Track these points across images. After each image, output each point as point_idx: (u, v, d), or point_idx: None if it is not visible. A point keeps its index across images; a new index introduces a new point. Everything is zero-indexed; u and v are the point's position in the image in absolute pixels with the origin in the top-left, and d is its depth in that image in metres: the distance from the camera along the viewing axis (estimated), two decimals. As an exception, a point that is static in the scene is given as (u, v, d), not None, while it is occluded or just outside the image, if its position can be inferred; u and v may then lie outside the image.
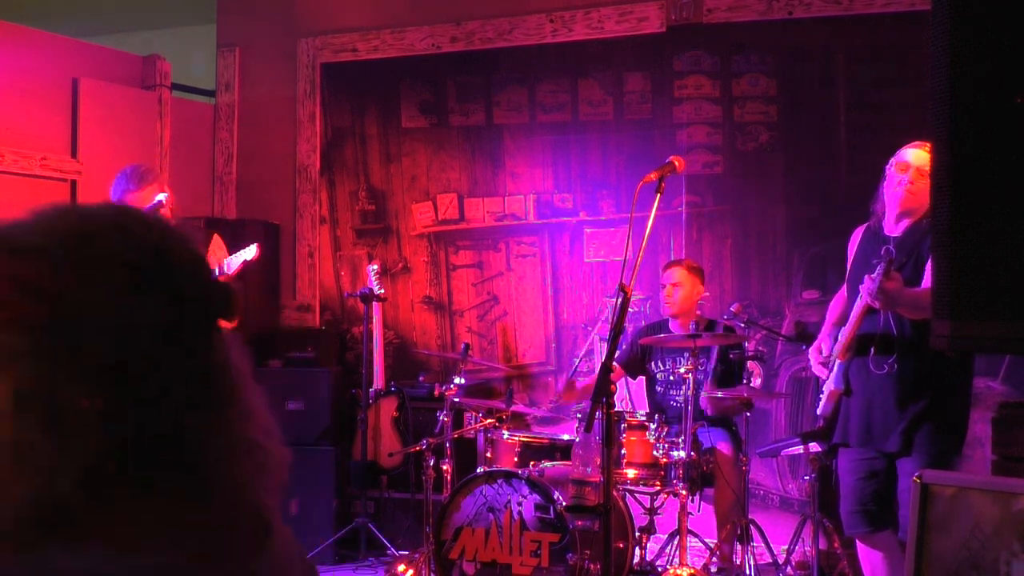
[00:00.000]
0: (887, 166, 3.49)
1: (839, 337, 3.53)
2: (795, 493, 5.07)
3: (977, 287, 1.75)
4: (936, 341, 1.83)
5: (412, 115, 5.98)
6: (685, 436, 4.12)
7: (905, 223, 3.44)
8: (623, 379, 5.05)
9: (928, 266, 3.21)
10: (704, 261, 5.13)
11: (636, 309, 5.39)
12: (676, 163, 3.14)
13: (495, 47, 5.78)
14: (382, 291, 5.42)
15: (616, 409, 2.88)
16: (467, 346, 5.15)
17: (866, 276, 3.31)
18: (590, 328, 5.54)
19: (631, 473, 4.22)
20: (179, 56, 6.49)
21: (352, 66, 6.11)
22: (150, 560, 0.80)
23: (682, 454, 4.12)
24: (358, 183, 6.10)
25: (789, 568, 4.47)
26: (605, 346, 3.89)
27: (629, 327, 5.23)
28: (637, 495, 4.56)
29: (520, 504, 4.08)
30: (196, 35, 7.09)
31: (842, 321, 3.62)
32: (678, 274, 4.70)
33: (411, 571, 4.59)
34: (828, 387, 3.56)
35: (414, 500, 5.38)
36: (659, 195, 3.08)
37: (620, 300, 2.85)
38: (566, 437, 4.52)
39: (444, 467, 4.60)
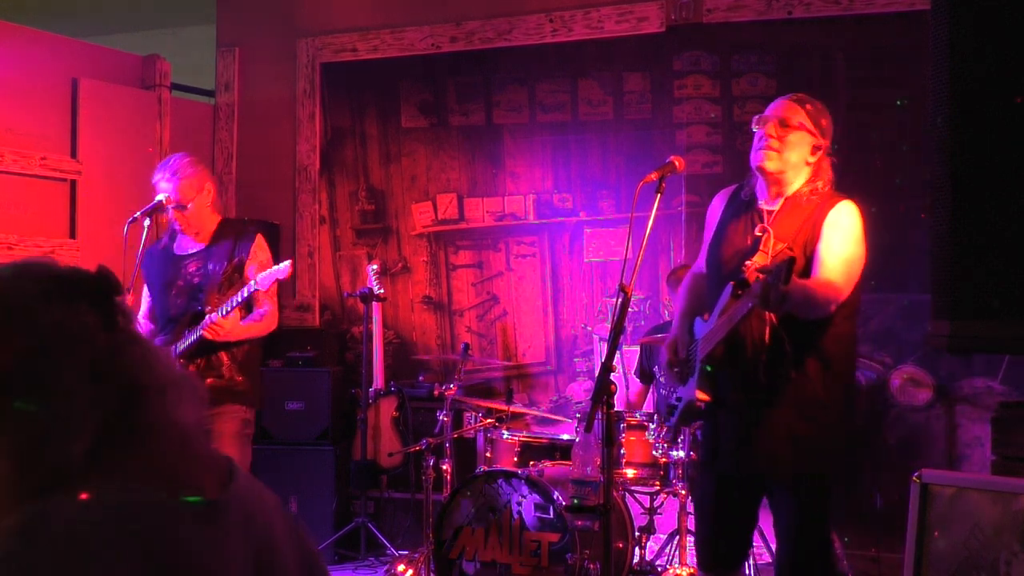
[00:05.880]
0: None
1: (703, 335, 3.02)
2: (795, 493, 5.06)
3: (977, 287, 1.75)
4: (936, 341, 1.83)
5: (412, 115, 5.98)
6: (685, 436, 4.12)
7: (780, 196, 3.01)
8: (622, 381, 5.03)
9: (819, 253, 2.87)
10: (704, 261, 5.11)
11: (636, 309, 5.39)
12: (676, 163, 3.12)
13: (495, 47, 5.78)
14: (382, 291, 5.42)
15: (616, 409, 2.87)
16: (467, 346, 5.15)
17: (753, 269, 2.83)
18: (589, 327, 5.54)
19: (631, 473, 4.22)
20: (179, 56, 6.48)
21: (352, 66, 6.11)
22: (143, 494, 1.15)
23: (681, 454, 4.12)
24: (358, 183, 6.10)
25: (789, 568, 4.47)
26: (605, 346, 3.89)
27: (629, 327, 5.24)
28: (637, 495, 4.56)
29: (520, 504, 4.08)
30: (196, 35, 7.08)
31: (701, 308, 3.11)
32: None
33: (411, 571, 4.59)
34: (687, 394, 3.05)
35: (414, 500, 5.39)
36: (659, 195, 3.06)
37: (620, 300, 2.84)
38: (566, 437, 4.52)
39: (444, 467, 4.60)
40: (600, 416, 2.75)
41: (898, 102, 4.99)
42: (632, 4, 5.47)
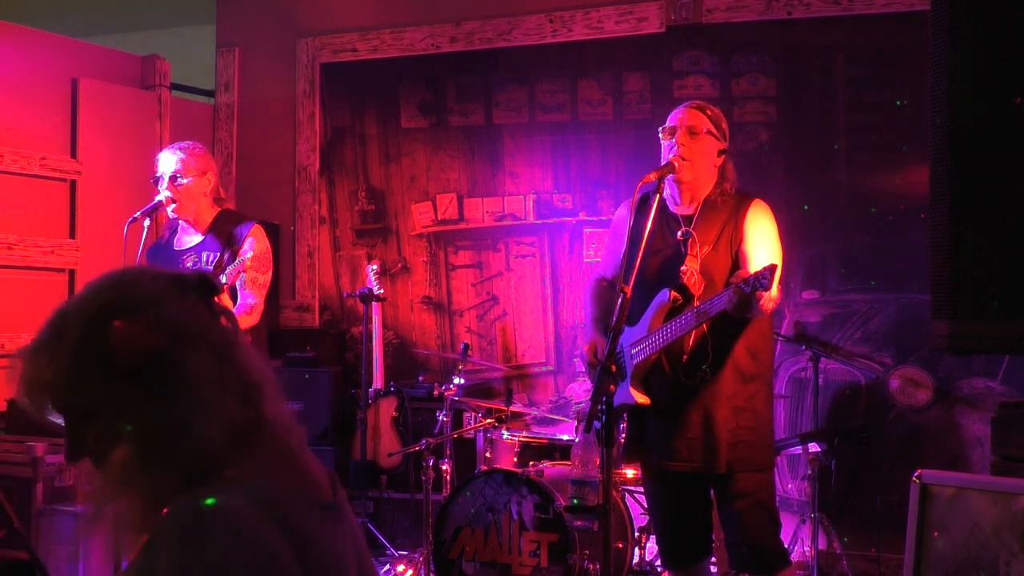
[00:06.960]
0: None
1: (632, 340, 3.10)
2: (794, 493, 5.07)
3: (977, 287, 1.75)
4: (936, 341, 1.83)
5: (411, 115, 5.98)
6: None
7: (694, 200, 3.14)
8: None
9: (747, 254, 2.99)
10: (704, 261, 5.11)
11: (636, 309, 5.39)
12: (675, 163, 3.13)
13: (494, 47, 5.78)
14: (381, 291, 5.42)
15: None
16: (466, 346, 5.14)
17: (690, 274, 2.98)
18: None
19: (630, 473, 4.22)
20: (179, 56, 6.48)
21: (352, 66, 6.11)
22: (275, 492, 1.24)
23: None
24: (357, 183, 6.10)
25: (789, 568, 4.47)
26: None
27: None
28: (636, 495, 4.56)
29: (519, 504, 4.08)
30: (196, 35, 7.08)
31: (611, 313, 3.08)
32: None
33: (411, 571, 4.59)
34: (617, 398, 2.97)
35: (414, 500, 5.38)
36: (658, 195, 3.07)
37: (620, 300, 2.84)
38: (566, 437, 4.52)
39: (444, 467, 4.60)
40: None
41: (898, 102, 4.99)
42: (632, 4, 5.47)
